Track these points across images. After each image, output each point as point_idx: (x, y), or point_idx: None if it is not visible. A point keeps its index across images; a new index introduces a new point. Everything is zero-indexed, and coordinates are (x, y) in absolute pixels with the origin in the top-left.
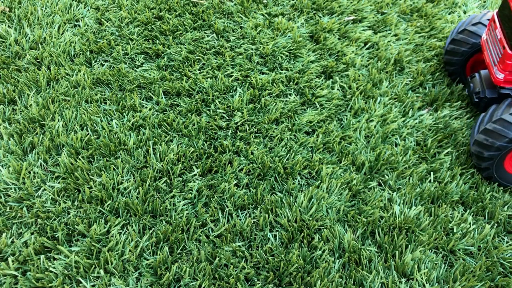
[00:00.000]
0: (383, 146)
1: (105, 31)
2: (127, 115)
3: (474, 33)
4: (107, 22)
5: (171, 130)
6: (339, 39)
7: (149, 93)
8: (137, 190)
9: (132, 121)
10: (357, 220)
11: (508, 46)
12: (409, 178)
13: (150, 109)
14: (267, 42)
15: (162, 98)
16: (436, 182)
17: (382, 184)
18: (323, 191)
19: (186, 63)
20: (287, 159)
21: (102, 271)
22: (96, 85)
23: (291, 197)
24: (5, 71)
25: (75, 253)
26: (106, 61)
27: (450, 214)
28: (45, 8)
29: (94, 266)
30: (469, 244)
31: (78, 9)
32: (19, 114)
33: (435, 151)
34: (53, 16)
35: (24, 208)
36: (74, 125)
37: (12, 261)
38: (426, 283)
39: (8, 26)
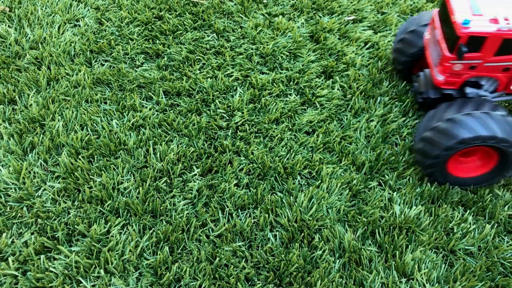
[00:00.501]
0: (383, 146)
1: (105, 31)
2: (127, 115)
3: (410, 42)
4: (107, 22)
5: (171, 130)
6: (339, 39)
7: (149, 93)
8: (137, 190)
9: (132, 121)
10: (357, 220)
11: (447, 47)
12: (409, 178)
13: (150, 109)
14: (267, 42)
15: (162, 98)
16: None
17: (383, 184)
18: (323, 191)
19: (186, 63)
20: (287, 159)
21: (102, 271)
22: (96, 85)
23: (291, 197)
24: (5, 71)
25: (75, 253)
26: (106, 61)
27: (451, 214)
28: (45, 8)
29: (94, 266)
30: (470, 244)
31: (78, 9)
32: (19, 114)
33: None
34: (53, 16)
35: (24, 208)
36: (74, 125)
37: (12, 261)
38: (427, 283)
39: (8, 26)
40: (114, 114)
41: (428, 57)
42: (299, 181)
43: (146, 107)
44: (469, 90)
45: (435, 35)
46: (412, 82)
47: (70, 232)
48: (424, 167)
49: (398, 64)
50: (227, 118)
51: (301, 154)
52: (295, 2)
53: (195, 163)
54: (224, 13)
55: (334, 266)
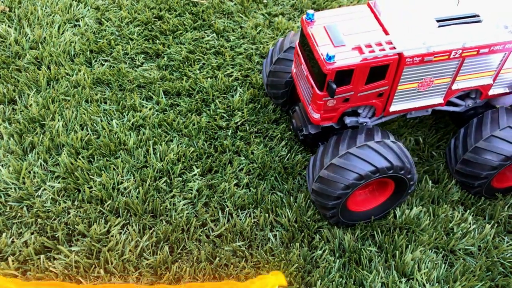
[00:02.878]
0: None
1: (105, 31)
2: (127, 115)
3: (290, 61)
4: (107, 22)
5: (171, 130)
6: None
7: (149, 93)
8: (137, 190)
9: (132, 121)
10: None
11: (316, 85)
12: None
13: (150, 109)
14: (267, 42)
15: (162, 98)
16: (436, 182)
17: None
18: None
19: (186, 63)
20: (287, 159)
21: (102, 271)
22: (96, 85)
23: (291, 197)
24: (5, 71)
25: (75, 253)
26: (106, 60)
27: (450, 214)
28: (45, 8)
29: (94, 266)
30: (469, 244)
31: (78, 9)
32: (19, 114)
33: (435, 151)
34: (53, 16)
35: (24, 208)
36: (74, 125)
37: (12, 261)
38: (426, 283)
39: (8, 26)
40: (114, 114)
41: (299, 93)
42: (299, 181)
43: (146, 107)
44: (348, 120)
45: (302, 70)
46: (290, 118)
47: (70, 232)
48: (325, 209)
49: (279, 89)
50: (227, 118)
51: (301, 154)
52: (295, 2)
53: (195, 163)
54: (224, 13)
55: (334, 266)
